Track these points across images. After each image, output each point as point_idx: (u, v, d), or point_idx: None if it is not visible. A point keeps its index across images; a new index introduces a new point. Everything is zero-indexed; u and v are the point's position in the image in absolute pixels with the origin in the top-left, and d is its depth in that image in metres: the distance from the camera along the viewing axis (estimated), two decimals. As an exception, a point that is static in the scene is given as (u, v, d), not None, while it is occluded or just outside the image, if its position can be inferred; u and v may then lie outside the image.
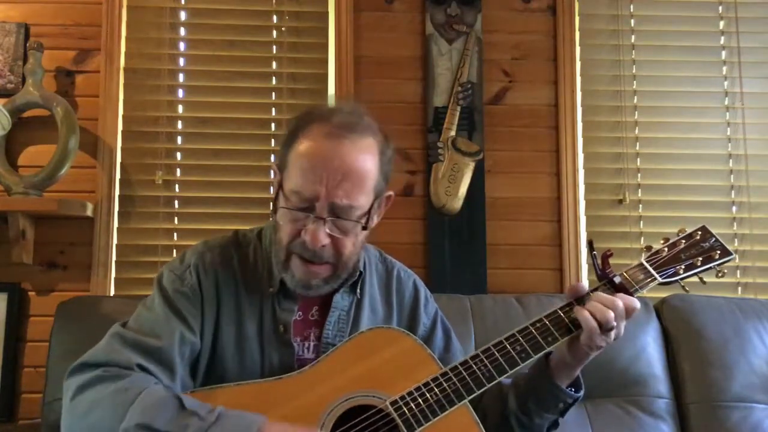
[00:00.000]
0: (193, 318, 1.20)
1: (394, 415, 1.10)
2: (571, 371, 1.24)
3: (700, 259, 1.28)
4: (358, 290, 1.32)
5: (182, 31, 2.41)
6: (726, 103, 2.44)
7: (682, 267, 1.27)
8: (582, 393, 1.27)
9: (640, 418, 1.90)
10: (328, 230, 1.16)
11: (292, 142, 1.20)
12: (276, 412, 1.10)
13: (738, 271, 2.36)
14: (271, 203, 1.28)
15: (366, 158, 1.18)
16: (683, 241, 1.31)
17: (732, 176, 2.41)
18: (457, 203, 2.31)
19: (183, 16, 2.41)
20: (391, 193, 1.29)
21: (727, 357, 1.94)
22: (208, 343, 1.22)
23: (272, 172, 1.29)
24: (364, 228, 1.21)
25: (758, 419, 1.89)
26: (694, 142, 2.42)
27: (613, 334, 1.16)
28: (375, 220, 1.26)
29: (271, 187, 1.29)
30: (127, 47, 2.36)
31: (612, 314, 1.14)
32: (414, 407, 1.11)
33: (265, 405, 1.11)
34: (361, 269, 1.32)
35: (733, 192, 2.41)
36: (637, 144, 2.41)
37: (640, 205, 2.38)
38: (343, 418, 1.12)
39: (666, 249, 1.30)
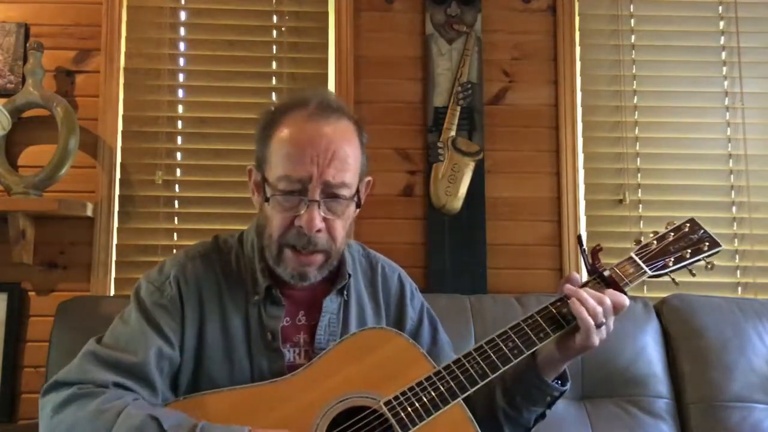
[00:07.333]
0: (171, 331, 1.18)
1: (388, 415, 1.09)
2: (558, 366, 1.24)
3: (689, 251, 1.28)
4: (345, 292, 1.31)
5: (182, 31, 2.41)
6: (726, 103, 2.44)
7: (672, 259, 1.27)
8: (568, 385, 1.27)
9: (640, 418, 1.90)
10: (322, 213, 1.16)
11: (269, 134, 1.19)
12: (269, 416, 1.09)
13: (738, 271, 2.36)
14: (257, 202, 1.26)
15: (349, 138, 1.20)
16: (672, 233, 1.31)
17: (732, 176, 2.40)
18: (457, 203, 2.31)
19: (183, 16, 2.42)
20: (370, 178, 1.30)
21: (726, 357, 1.94)
22: (191, 355, 1.20)
23: (248, 174, 1.27)
24: (358, 206, 1.22)
25: (758, 419, 1.89)
26: (694, 142, 2.42)
27: (603, 330, 1.16)
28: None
29: (252, 188, 1.27)
30: (127, 47, 2.36)
31: (600, 309, 1.15)
32: (408, 407, 1.10)
33: (257, 409, 1.11)
34: (350, 272, 1.31)
35: (733, 192, 2.40)
36: (637, 144, 2.41)
37: (640, 205, 2.38)
38: (338, 420, 1.11)
39: (655, 242, 1.30)
